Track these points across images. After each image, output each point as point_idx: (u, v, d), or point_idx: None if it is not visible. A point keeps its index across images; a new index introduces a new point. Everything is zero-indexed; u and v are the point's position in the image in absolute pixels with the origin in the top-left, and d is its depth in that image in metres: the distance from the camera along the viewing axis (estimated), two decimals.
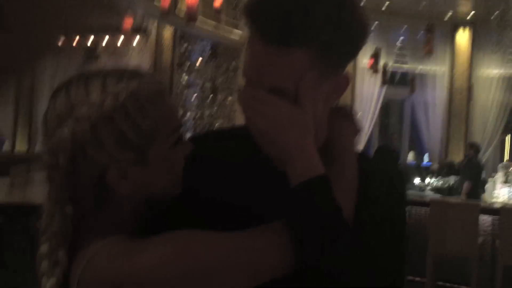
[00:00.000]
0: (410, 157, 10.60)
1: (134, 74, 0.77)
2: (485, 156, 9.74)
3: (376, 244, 0.84)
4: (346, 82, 0.83)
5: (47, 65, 9.02)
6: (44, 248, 0.77)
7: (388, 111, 12.13)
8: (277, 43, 0.75)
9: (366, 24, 0.81)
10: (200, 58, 8.57)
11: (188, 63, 8.42)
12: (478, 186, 5.92)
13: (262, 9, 0.75)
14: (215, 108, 8.77)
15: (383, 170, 0.93)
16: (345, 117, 0.91)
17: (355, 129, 0.92)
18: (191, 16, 4.28)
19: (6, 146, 9.20)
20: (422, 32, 7.73)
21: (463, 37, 9.84)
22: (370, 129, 9.87)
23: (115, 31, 8.05)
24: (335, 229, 0.75)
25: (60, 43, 8.87)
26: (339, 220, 0.75)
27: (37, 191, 3.71)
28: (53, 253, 0.76)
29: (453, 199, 4.86)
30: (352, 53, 0.82)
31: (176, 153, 0.79)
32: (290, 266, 0.75)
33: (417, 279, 4.41)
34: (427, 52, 5.82)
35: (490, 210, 4.16)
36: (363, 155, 0.94)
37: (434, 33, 5.40)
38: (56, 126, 0.73)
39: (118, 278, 0.70)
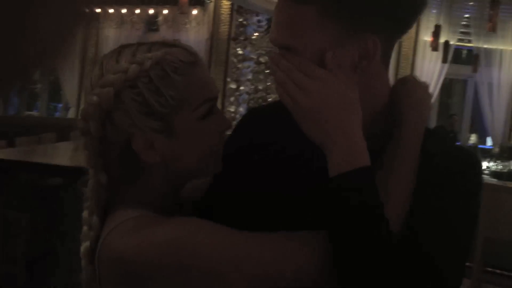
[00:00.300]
0: (473, 139, 10.20)
1: (167, 44, 0.77)
2: None
3: (435, 248, 0.70)
4: (374, 46, 0.72)
5: (110, 36, 9.36)
6: (85, 213, 0.80)
7: (450, 91, 11.67)
8: (291, 2, 0.73)
9: None
10: (256, 33, 8.58)
11: (244, 36, 8.45)
12: None
13: None
14: (269, 82, 8.79)
15: (446, 152, 0.80)
16: (413, 88, 0.82)
17: (427, 103, 0.83)
18: None
19: (72, 113, 9.69)
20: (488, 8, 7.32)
21: None
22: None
23: (174, 4, 8.21)
24: (369, 239, 0.65)
25: (122, 14, 9.15)
26: (376, 227, 0.65)
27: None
28: (89, 218, 0.78)
29: (509, 184, 4.68)
30: (380, 13, 0.72)
31: (206, 126, 0.77)
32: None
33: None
34: (490, 29, 5.51)
35: None
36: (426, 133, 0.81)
37: (498, 9, 5.09)
38: (89, 93, 0.76)
39: (127, 254, 0.70)
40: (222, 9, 8.42)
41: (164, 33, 8.97)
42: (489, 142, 9.56)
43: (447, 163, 0.76)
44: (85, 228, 0.80)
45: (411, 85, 0.82)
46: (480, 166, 0.84)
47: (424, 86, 0.86)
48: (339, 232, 0.65)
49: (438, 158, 0.76)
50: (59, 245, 3.01)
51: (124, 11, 9.19)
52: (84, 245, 0.79)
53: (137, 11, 9.14)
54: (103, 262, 0.74)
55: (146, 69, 0.72)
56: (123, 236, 0.72)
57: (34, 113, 10.61)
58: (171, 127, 0.75)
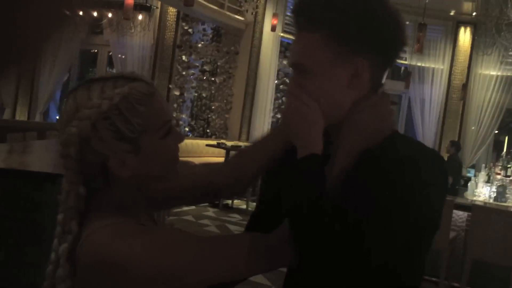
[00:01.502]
0: None
1: (128, 78, 0.92)
2: (477, 154, 9.92)
3: (360, 224, 0.84)
4: (362, 68, 0.92)
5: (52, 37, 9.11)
6: (60, 216, 0.92)
7: None
8: (301, 30, 0.97)
9: (385, 20, 0.93)
10: (201, 41, 8.66)
11: (189, 44, 8.52)
12: (457, 183, 6.09)
13: (296, 7, 0.98)
14: (213, 90, 8.89)
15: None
16: (357, 110, 0.97)
17: (367, 126, 0.96)
18: (188, 1, 4.39)
19: (6, 114, 9.36)
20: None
21: (464, 36, 9.93)
22: None
23: (119, 8, 8.14)
24: (312, 193, 0.86)
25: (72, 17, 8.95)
26: (318, 189, 0.87)
27: (32, 159, 3.86)
28: (67, 223, 0.91)
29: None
30: (368, 43, 0.92)
31: (167, 142, 0.93)
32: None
33: None
34: (417, 50, 5.92)
35: (463, 206, 4.32)
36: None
37: (425, 32, 5.49)
38: (65, 124, 0.89)
39: (110, 258, 0.82)
40: (168, 16, 8.44)
41: (108, 37, 8.86)
42: None
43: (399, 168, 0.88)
44: (59, 229, 0.92)
45: (358, 107, 0.96)
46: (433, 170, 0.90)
47: (373, 111, 0.96)
48: (292, 191, 0.89)
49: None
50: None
51: (67, 12, 9.00)
52: (63, 246, 0.90)
53: (80, 13, 8.97)
54: (83, 263, 0.86)
55: (116, 103, 0.88)
56: (103, 241, 0.85)
57: None
58: (139, 147, 0.91)
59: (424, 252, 0.93)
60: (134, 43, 8.62)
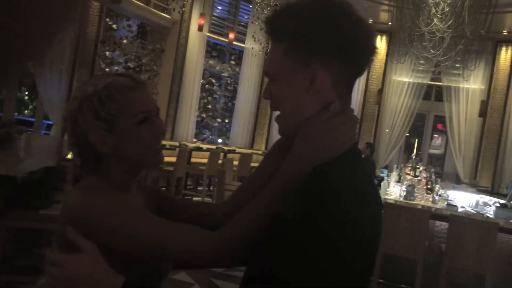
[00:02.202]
0: None
1: (120, 74, 1.13)
2: (390, 156, 10.58)
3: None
4: (316, 73, 0.95)
5: None
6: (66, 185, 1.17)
7: None
8: (271, 40, 1.03)
9: (341, 28, 0.95)
10: (126, 37, 8.47)
11: (113, 40, 8.30)
12: None
13: (266, 18, 1.04)
14: None
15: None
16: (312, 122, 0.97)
17: (318, 139, 0.95)
18: None
19: None
20: None
21: (380, 44, 10.54)
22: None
23: None
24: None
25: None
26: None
27: None
28: (69, 186, 1.14)
29: (405, 203, 5.08)
30: (324, 49, 0.95)
31: (142, 129, 1.11)
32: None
33: None
34: None
35: (440, 216, 4.52)
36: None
37: None
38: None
39: (74, 208, 1.03)
40: (91, 10, 8.15)
41: None
42: None
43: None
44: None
45: (311, 121, 0.96)
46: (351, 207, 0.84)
47: (325, 125, 0.95)
48: None
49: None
50: None
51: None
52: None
53: None
54: (62, 221, 1.04)
55: (98, 90, 1.10)
56: (74, 199, 1.05)
57: None
58: (113, 128, 1.10)
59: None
60: (52, 36, 8.24)
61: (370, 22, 0.90)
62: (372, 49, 0.99)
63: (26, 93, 12.87)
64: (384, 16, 9.89)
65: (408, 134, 11.03)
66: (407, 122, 10.53)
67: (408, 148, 10.80)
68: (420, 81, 10.37)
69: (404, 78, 10.49)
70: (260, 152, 9.94)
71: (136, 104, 1.11)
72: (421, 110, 10.67)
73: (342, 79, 0.97)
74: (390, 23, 8.53)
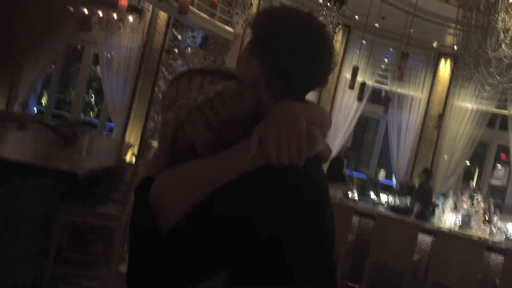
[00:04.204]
0: (382, 175, 10.99)
1: (224, 74, 1.08)
2: (448, 183, 10.18)
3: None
4: (254, 64, 1.09)
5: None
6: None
7: (366, 127, 12.51)
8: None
9: (283, 40, 1.07)
10: (189, 47, 8.75)
11: (177, 49, 8.58)
12: (427, 209, 6.28)
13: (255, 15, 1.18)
14: None
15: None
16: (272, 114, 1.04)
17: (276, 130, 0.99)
18: (182, 9, 4.48)
19: None
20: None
21: (444, 67, 10.25)
22: (343, 141, 10.23)
23: (110, 7, 8.19)
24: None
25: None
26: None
27: (9, 147, 3.87)
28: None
29: (397, 216, 5.15)
30: (266, 54, 1.09)
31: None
32: None
33: (355, 286, 4.72)
34: (398, 78, 6.12)
35: (428, 230, 4.47)
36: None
37: (406, 61, 5.69)
38: (167, 108, 1.08)
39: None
40: (159, 20, 8.51)
41: (97, 35, 8.87)
42: (394, 178, 10.40)
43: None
44: None
45: (274, 109, 1.05)
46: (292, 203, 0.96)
47: (287, 117, 1.02)
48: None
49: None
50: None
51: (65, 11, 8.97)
52: None
53: (71, 8, 8.96)
54: None
55: (210, 98, 1.04)
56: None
57: None
58: (221, 136, 1.04)
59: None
60: (121, 43, 8.64)
61: (331, 42, 0.93)
62: (318, 68, 1.08)
63: (93, 96, 13.50)
64: (449, 39, 9.62)
65: (468, 163, 10.60)
66: (467, 150, 10.13)
67: (468, 176, 10.36)
68: (484, 108, 9.96)
69: (468, 104, 10.12)
70: None
71: (247, 112, 1.06)
72: (483, 138, 10.23)
73: (273, 80, 1.07)
74: (455, 47, 8.28)
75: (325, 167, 9.05)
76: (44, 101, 11.03)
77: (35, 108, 10.32)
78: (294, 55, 1.06)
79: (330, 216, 1.08)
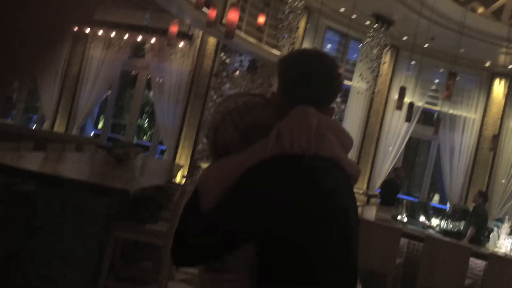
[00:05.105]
0: (436, 199, 10.68)
1: (251, 95, 1.41)
2: (505, 207, 9.75)
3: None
4: (274, 96, 1.42)
5: (96, 56, 9.61)
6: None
7: (417, 150, 12.24)
8: None
9: (311, 81, 1.34)
10: (237, 71, 8.95)
11: (225, 73, 8.81)
12: (482, 234, 6.04)
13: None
14: None
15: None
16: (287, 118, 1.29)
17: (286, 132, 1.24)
18: (229, 33, 4.64)
19: (46, 125, 9.79)
20: (458, 77, 7.93)
21: (499, 87, 9.94)
22: (394, 162, 10.06)
23: (162, 34, 8.55)
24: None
25: (110, 37, 9.44)
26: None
27: (67, 167, 4.10)
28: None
29: (448, 239, 5.00)
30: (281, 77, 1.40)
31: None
32: None
33: None
34: (446, 97, 6.01)
35: (481, 255, 4.30)
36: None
37: (454, 80, 5.59)
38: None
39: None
40: (208, 45, 8.79)
41: (149, 61, 9.27)
42: (448, 203, 10.07)
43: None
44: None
45: (293, 111, 1.29)
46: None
47: (298, 121, 1.25)
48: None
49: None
50: (30, 245, 3.18)
51: (113, 34, 9.47)
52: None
53: (126, 36, 9.43)
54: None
55: (238, 106, 1.33)
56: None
57: (8, 121, 10.64)
58: (249, 138, 1.29)
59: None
60: (173, 68, 8.97)
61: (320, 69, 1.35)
62: (316, 88, 1.33)
63: (146, 120, 13.99)
64: (503, 58, 9.36)
65: None
66: None
67: None
68: None
69: None
70: (361, 192, 9.74)
71: (267, 119, 1.31)
72: None
73: (288, 92, 1.36)
74: (510, 66, 8.06)
75: (373, 188, 8.82)
76: (100, 125, 11.55)
77: (92, 132, 10.82)
78: (293, 80, 1.36)
79: (346, 210, 1.27)
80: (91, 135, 10.69)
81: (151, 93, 10.40)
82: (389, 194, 8.19)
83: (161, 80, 9.18)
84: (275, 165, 1.21)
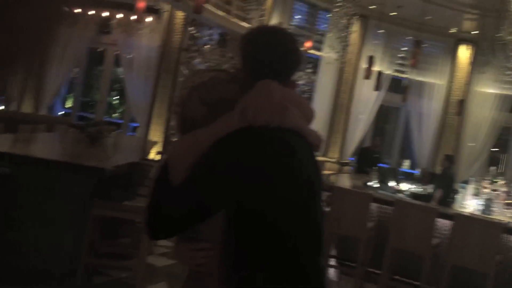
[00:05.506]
0: (406, 165, 10.97)
1: (216, 70, 1.46)
2: (472, 170, 10.11)
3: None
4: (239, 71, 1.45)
5: (61, 34, 9.36)
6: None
7: (386, 117, 12.48)
8: None
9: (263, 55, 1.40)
10: (207, 45, 8.90)
11: (195, 47, 8.75)
12: (448, 196, 6.30)
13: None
14: None
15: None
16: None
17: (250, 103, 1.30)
18: (197, 8, 4.62)
19: (14, 107, 9.58)
20: (425, 44, 8.08)
21: (464, 53, 10.16)
22: (365, 130, 10.27)
23: (128, 9, 8.39)
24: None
25: (74, 15, 9.21)
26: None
27: (40, 147, 4.08)
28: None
29: (416, 202, 5.22)
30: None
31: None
32: None
33: (377, 272, 4.81)
34: (412, 65, 6.15)
35: (447, 215, 4.52)
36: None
37: (420, 49, 5.72)
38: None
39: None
40: (176, 19, 8.68)
41: (117, 37, 9.10)
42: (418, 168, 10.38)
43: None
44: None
45: (256, 85, 1.34)
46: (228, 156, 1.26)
47: (260, 92, 1.32)
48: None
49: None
50: (9, 226, 3.20)
51: (77, 11, 9.23)
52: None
53: (91, 12, 9.22)
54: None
55: (204, 81, 1.38)
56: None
57: None
58: (215, 112, 1.33)
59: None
60: (141, 44, 8.85)
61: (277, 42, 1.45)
62: (278, 61, 1.39)
63: (116, 97, 13.81)
64: (467, 25, 9.55)
65: (496, 149, 10.48)
66: (491, 136, 10.05)
67: (494, 163, 10.24)
68: (506, 92, 9.84)
69: (489, 89, 10.01)
70: (334, 160, 9.94)
71: (232, 94, 1.35)
72: (508, 123, 10.12)
73: (252, 70, 1.41)
74: (474, 32, 8.26)
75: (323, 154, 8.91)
76: (69, 104, 11.36)
77: (61, 111, 10.65)
78: (254, 56, 1.42)
79: (306, 170, 1.34)
80: (60, 114, 10.51)
81: (120, 70, 10.26)
82: (365, 163, 8.41)
83: (129, 56, 9.05)
84: (240, 138, 1.27)
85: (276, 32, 1.46)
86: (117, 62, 9.70)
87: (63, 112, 10.69)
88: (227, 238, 1.28)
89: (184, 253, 1.39)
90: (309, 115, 1.45)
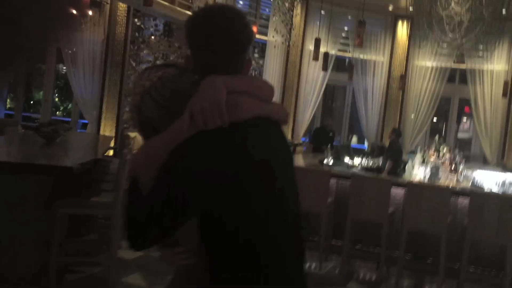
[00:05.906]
0: (354, 140, 11.38)
1: (167, 65, 1.37)
2: (416, 140, 10.65)
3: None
4: (188, 62, 1.37)
5: None
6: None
7: (333, 96, 12.85)
8: None
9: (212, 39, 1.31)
10: (153, 36, 8.82)
11: (141, 39, 8.65)
12: (398, 166, 6.66)
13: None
14: None
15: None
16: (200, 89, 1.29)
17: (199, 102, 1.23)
18: (147, 0, 4.59)
19: None
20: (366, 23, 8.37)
21: (402, 29, 10.60)
22: (314, 110, 10.55)
23: (68, 3, 8.15)
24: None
25: None
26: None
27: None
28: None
29: (371, 175, 5.51)
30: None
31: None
32: None
33: (339, 243, 5.06)
34: (358, 45, 6.40)
35: (400, 184, 4.83)
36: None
37: (364, 28, 5.96)
38: (129, 96, 1.50)
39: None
40: (119, 11, 8.51)
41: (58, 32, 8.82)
42: (366, 142, 10.81)
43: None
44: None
45: (200, 85, 1.27)
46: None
47: (207, 91, 1.24)
48: None
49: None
50: None
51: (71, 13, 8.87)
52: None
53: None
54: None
55: (154, 83, 1.33)
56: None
57: None
58: (172, 111, 1.29)
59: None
60: (84, 38, 8.64)
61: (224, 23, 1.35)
62: (225, 42, 1.31)
63: (57, 95, 13.39)
64: (404, 2, 9.95)
65: (436, 118, 11.06)
66: (432, 107, 10.58)
67: (436, 132, 10.83)
68: (443, 64, 10.39)
69: (427, 62, 10.53)
70: None
71: (186, 88, 1.30)
72: (446, 94, 10.70)
73: (200, 59, 1.34)
74: (410, 8, 8.61)
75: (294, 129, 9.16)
76: (9, 104, 10.94)
77: (4, 113, 10.25)
78: (199, 42, 1.34)
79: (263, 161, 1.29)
80: (3, 116, 10.12)
81: (61, 66, 9.97)
82: (321, 141, 8.68)
83: (72, 51, 8.80)
84: (196, 144, 1.23)
85: (219, 11, 1.36)
86: (59, 58, 9.42)
87: (5, 113, 10.30)
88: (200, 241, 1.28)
89: (168, 255, 1.41)
90: (267, 94, 1.40)
